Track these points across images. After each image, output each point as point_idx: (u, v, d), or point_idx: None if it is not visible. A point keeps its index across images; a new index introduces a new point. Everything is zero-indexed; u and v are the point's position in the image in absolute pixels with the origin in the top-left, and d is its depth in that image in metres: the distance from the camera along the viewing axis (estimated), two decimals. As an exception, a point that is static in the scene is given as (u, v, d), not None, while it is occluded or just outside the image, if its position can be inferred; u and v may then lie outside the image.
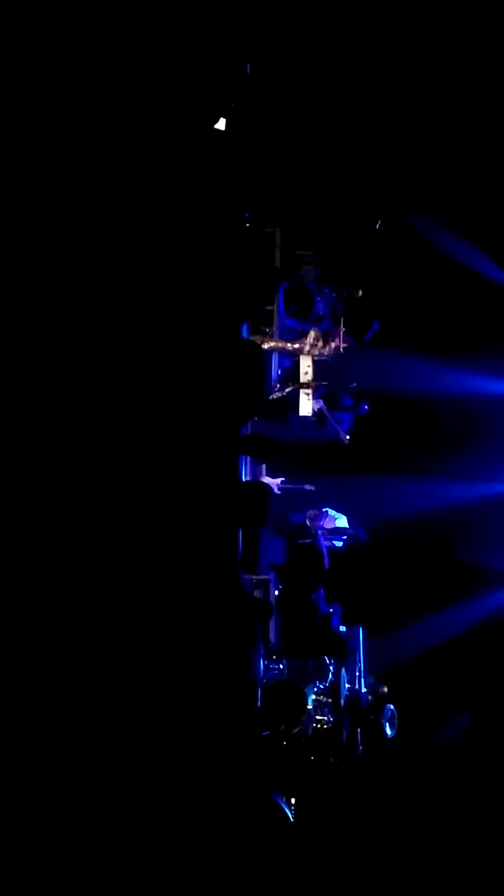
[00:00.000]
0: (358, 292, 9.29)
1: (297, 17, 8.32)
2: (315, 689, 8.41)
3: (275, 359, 9.13)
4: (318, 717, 8.33)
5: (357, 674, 8.69)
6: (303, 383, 9.16)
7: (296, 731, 8.16)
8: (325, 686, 8.48)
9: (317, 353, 9.14)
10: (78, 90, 7.46)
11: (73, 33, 7.44)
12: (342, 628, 8.94)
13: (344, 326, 9.16)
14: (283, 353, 9.18)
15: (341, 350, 9.17)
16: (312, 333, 9.11)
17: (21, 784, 6.97)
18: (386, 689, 8.67)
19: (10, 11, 7.25)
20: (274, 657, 8.45)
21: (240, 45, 7.83)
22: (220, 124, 7.74)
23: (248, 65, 7.95)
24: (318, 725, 8.30)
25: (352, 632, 8.94)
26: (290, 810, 7.96)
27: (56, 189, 7.43)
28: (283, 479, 9.07)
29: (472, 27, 8.63)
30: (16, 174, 7.32)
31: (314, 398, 9.19)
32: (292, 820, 7.94)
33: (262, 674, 8.27)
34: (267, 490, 8.40)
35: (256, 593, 8.74)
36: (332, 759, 8.31)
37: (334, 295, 9.26)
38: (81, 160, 7.48)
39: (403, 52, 8.68)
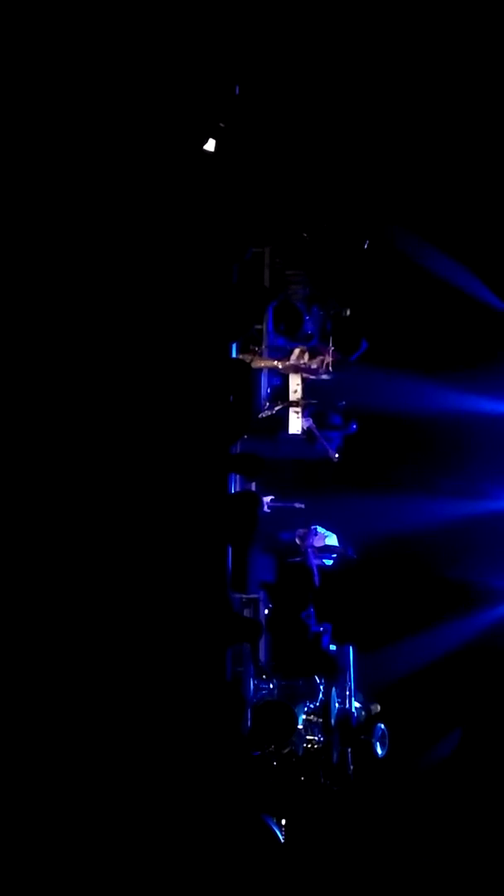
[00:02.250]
0: (346, 311, 9.33)
1: (286, 38, 8.38)
2: (305, 709, 8.39)
3: (264, 377, 9.15)
4: (308, 737, 8.30)
5: (347, 693, 8.67)
6: (292, 402, 9.18)
7: (286, 751, 8.13)
8: (315, 705, 8.46)
9: (305, 370, 9.17)
10: (66, 110, 7.49)
11: (63, 52, 7.47)
12: (332, 647, 8.92)
13: (333, 345, 9.19)
14: (273, 371, 9.20)
15: (330, 369, 9.19)
16: (298, 351, 9.14)
17: (12, 800, 6.92)
18: (378, 708, 8.65)
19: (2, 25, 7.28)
20: (264, 676, 8.42)
21: (229, 66, 7.88)
22: (210, 145, 7.78)
23: (238, 86, 8.00)
24: (309, 745, 8.27)
25: (342, 651, 8.93)
26: (281, 831, 7.92)
27: (44, 206, 7.44)
28: (272, 497, 9.06)
29: (460, 50, 8.71)
30: (7, 190, 7.33)
31: (304, 416, 9.21)
32: (283, 841, 7.90)
33: (252, 693, 8.24)
34: (257, 498, 8.38)
35: (246, 612, 8.71)
36: (322, 780, 8.28)
37: (323, 314, 9.30)
38: (69, 179, 7.50)
39: (394, 73, 8.76)
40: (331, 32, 8.57)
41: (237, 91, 7.99)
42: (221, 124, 7.79)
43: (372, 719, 8.55)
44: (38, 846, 6.91)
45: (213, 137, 7.76)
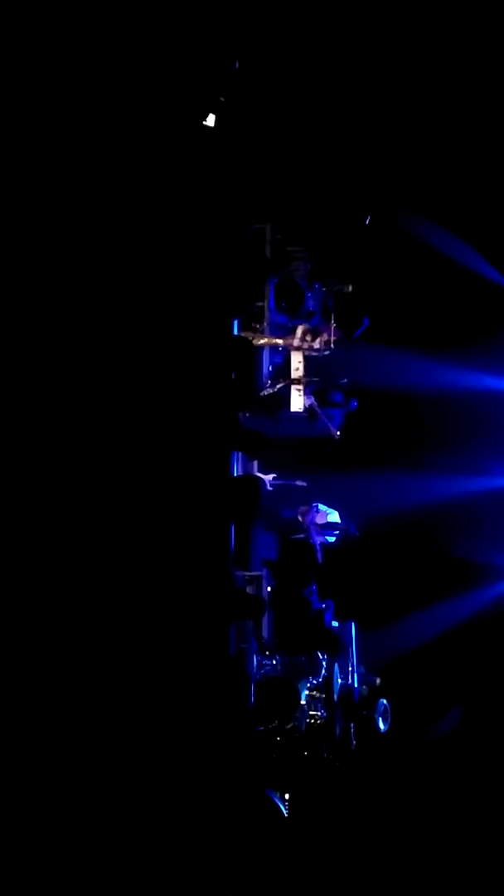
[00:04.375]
0: (348, 288, 9.30)
1: (286, 10, 8.32)
2: (308, 685, 8.43)
3: (266, 355, 9.13)
4: (311, 713, 8.35)
5: (350, 669, 8.71)
6: (294, 379, 9.16)
7: (289, 726, 8.17)
8: (318, 681, 8.50)
9: (307, 348, 9.15)
10: (65, 87, 7.43)
11: (60, 29, 7.42)
12: (335, 624, 8.95)
13: (334, 322, 9.16)
14: (274, 349, 9.18)
15: (332, 346, 9.17)
16: (301, 329, 9.12)
17: (16, 776, 6.96)
18: (378, 681, 8.69)
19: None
20: (267, 653, 8.46)
21: (230, 41, 7.82)
22: (210, 120, 7.73)
23: (238, 61, 7.94)
24: (312, 721, 8.32)
25: (344, 627, 8.96)
26: (284, 806, 7.97)
27: (42, 184, 7.40)
28: (274, 475, 9.07)
29: (466, 25, 8.64)
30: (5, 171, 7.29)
31: (305, 394, 9.19)
32: (286, 815, 7.96)
33: (255, 669, 8.28)
34: (259, 481, 8.40)
35: (249, 589, 8.74)
36: (325, 755, 8.33)
37: (325, 291, 9.27)
38: (69, 156, 7.46)
39: (395, 47, 8.69)
40: (331, 7, 8.50)
41: (237, 66, 7.94)
42: (222, 99, 7.74)
43: (374, 694, 8.59)
44: (42, 818, 6.96)
45: (214, 112, 7.72)
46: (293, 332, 9.16)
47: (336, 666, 8.57)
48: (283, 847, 7.79)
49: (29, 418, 7.33)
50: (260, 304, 9.03)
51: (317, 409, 9.28)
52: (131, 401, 7.53)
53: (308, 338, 9.16)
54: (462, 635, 9.67)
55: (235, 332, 8.56)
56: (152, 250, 7.60)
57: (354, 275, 9.24)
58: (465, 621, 9.72)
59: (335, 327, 9.17)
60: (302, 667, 8.51)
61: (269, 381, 9.18)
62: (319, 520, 9.28)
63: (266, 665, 8.40)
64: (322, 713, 8.34)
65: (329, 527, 9.31)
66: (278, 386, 9.19)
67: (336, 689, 8.45)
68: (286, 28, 8.34)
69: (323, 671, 8.54)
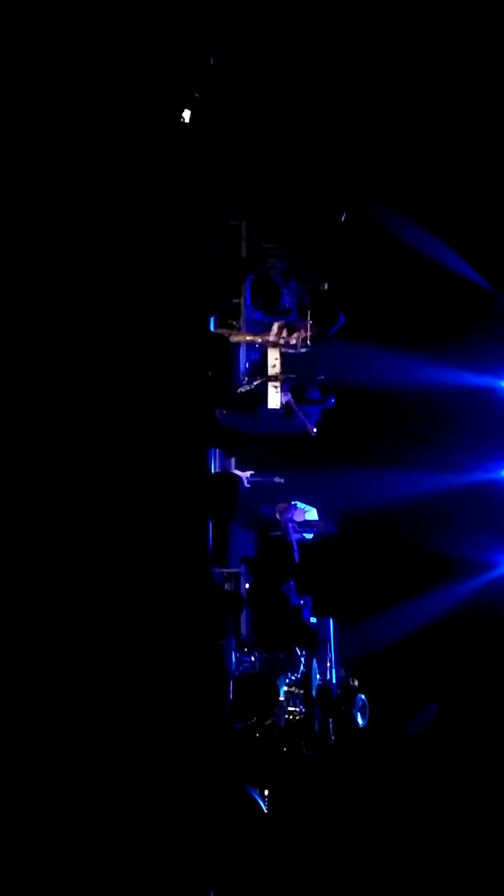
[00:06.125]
0: (324, 285, 9.32)
1: (260, 6, 8.33)
2: (287, 681, 8.44)
3: (242, 352, 9.14)
4: (290, 709, 8.36)
5: (328, 665, 8.73)
6: (271, 376, 9.17)
7: (268, 722, 8.18)
8: (296, 677, 8.51)
9: (284, 345, 9.16)
10: (37, 85, 7.41)
11: (36, 26, 7.39)
12: (313, 620, 8.97)
13: (311, 319, 9.18)
14: (251, 346, 9.19)
15: (308, 343, 9.19)
16: (277, 325, 9.13)
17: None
18: (356, 683, 8.72)
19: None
20: (245, 650, 8.46)
21: (204, 37, 7.83)
22: (186, 116, 7.73)
23: (212, 56, 7.95)
24: (291, 717, 8.33)
25: (322, 623, 8.98)
26: (264, 802, 7.98)
27: (13, 182, 7.37)
28: (251, 472, 9.07)
29: (434, 22, 8.68)
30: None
31: (282, 391, 9.21)
32: (266, 811, 7.97)
33: (233, 666, 8.28)
34: (237, 479, 8.41)
35: (227, 586, 8.74)
36: (304, 750, 8.34)
37: (301, 288, 9.28)
38: (43, 153, 7.44)
39: (368, 41, 8.72)
40: (303, 4, 8.51)
41: (212, 61, 7.94)
42: (197, 95, 7.74)
43: (352, 690, 8.61)
44: (18, 819, 6.94)
45: (189, 108, 7.72)
46: (270, 328, 9.17)
47: (314, 662, 8.59)
48: (263, 843, 7.80)
49: (3, 416, 7.30)
50: (236, 300, 9.03)
51: (294, 405, 9.29)
52: (108, 398, 7.52)
53: (284, 334, 9.17)
54: (440, 630, 9.71)
55: (212, 328, 8.57)
56: (128, 247, 7.59)
57: (330, 271, 9.26)
58: (443, 616, 9.76)
59: (311, 324, 9.19)
60: (280, 663, 8.52)
61: (246, 378, 9.18)
62: (297, 517, 9.29)
63: (244, 662, 8.40)
64: (301, 709, 8.36)
65: (307, 524, 9.33)
66: (255, 383, 9.19)
67: (314, 684, 8.47)
68: (260, 24, 8.35)
69: (301, 667, 8.56)
